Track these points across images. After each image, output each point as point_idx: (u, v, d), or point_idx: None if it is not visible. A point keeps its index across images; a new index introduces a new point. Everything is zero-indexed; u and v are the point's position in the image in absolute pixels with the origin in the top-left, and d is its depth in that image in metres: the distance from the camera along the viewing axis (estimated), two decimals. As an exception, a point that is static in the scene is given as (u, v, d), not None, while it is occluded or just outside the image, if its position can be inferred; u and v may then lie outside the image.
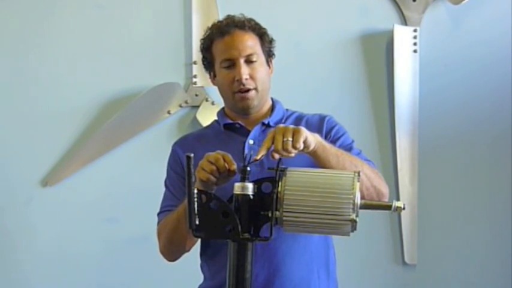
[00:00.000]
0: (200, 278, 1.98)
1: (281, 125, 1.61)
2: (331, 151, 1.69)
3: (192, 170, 1.50)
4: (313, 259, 1.87)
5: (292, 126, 1.60)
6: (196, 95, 2.92)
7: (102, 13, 2.97)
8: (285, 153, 1.57)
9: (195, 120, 2.93)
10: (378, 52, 3.01)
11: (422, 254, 3.00)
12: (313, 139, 1.63)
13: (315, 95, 2.95)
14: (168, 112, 2.95)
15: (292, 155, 1.58)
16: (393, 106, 2.97)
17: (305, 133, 1.59)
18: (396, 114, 2.97)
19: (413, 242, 2.98)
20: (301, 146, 1.57)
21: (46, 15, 2.95)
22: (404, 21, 3.00)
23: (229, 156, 1.64)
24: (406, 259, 2.99)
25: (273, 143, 1.58)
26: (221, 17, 2.79)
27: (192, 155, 1.50)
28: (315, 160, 1.69)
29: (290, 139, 1.56)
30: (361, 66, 3.01)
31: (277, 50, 2.90)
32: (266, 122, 1.91)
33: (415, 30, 2.98)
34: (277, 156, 1.57)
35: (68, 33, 2.96)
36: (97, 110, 2.95)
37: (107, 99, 2.95)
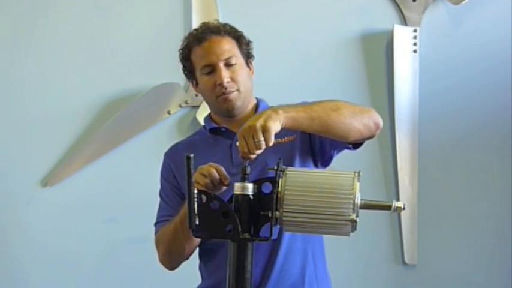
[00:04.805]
0: (200, 279, 1.98)
1: (247, 125, 1.60)
2: (299, 115, 1.67)
3: (192, 171, 1.51)
4: (308, 246, 1.88)
5: (258, 123, 1.58)
6: (196, 95, 2.91)
7: (102, 13, 2.97)
8: (258, 152, 1.59)
9: (195, 121, 2.93)
10: (378, 52, 3.01)
11: (422, 254, 3.00)
12: (279, 120, 1.62)
13: (314, 95, 2.92)
14: (168, 112, 2.95)
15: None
16: (393, 106, 2.97)
17: (273, 126, 1.59)
18: (396, 114, 2.97)
19: (413, 242, 2.98)
20: (272, 142, 1.59)
21: (46, 15, 2.95)
22: (404, 21, 3.00)
23: (223, 170, 1.66)
24: (406, 259, 2.99)
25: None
26: (221, 16, 2.82)
27: (192, 155, 1.50)
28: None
29: (262, 139, 1.58)
30: (361, 66, 3.01)
31: (277, 50, 2.95)
32: None
33: (415, 31, 2.98)
34: (253, 157, 1.59)
35: (68, 33, 2.96)
36: (97, 110, 2.95)
37: (107, 99, 2.95)
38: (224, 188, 1.66)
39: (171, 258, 1.90)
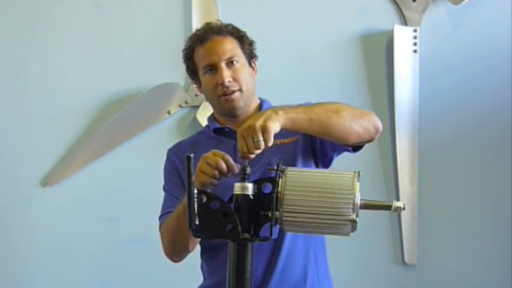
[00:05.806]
0: (201, 278, 1.98)
1: (246, 125, 1.61)
2: (299, 116, 1.67)
3: (192, 170, 1.51)
4: (310, 246, 1.88)
5: (258, 123, 1.59)
6: (196, 95, 2.92)
7: (101, 13, 2.97)
8: (258, 152, 1.60)
9: (195, 121, 2.93)
10: (378, 52, 3.01)
11: (422, 254, 3.00)
12: (279, 121, 1.62)
13: (314, 95, 2.92)
14: (168, 112, 2.95)
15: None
16: (393, 106, 2.98)
17: (272, 127, 1.59)
18: (396, 114, 2.97)
19: (413, 242, 2.99)
20: (272, 142, 1.59)
21: (45, 15, 2.95)
22: (404, 21, 3.00)
23: (229, 159, 1.66)
24: (406, 259, 2.99)
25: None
26: (221, 16, 2.82)
27: (192, 155, 1.50)
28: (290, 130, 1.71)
29: (261, 139, 1.58)
30: (361, 66, 3.01)
31: (277, 50, 2.95)
32: None
33: (415, 30, 2.98)
34: (252, 156, 1.60)
35: (68, 33, 2.96)
36: (97, 110, 2.95)
37: (107, 99, 2.95)
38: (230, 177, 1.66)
39: (176, 249, 1.88)
